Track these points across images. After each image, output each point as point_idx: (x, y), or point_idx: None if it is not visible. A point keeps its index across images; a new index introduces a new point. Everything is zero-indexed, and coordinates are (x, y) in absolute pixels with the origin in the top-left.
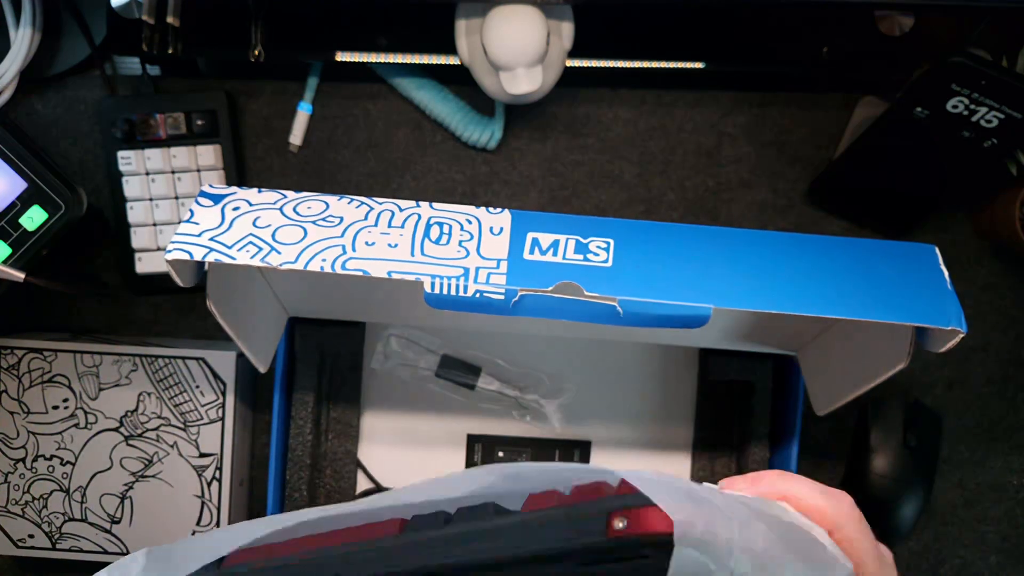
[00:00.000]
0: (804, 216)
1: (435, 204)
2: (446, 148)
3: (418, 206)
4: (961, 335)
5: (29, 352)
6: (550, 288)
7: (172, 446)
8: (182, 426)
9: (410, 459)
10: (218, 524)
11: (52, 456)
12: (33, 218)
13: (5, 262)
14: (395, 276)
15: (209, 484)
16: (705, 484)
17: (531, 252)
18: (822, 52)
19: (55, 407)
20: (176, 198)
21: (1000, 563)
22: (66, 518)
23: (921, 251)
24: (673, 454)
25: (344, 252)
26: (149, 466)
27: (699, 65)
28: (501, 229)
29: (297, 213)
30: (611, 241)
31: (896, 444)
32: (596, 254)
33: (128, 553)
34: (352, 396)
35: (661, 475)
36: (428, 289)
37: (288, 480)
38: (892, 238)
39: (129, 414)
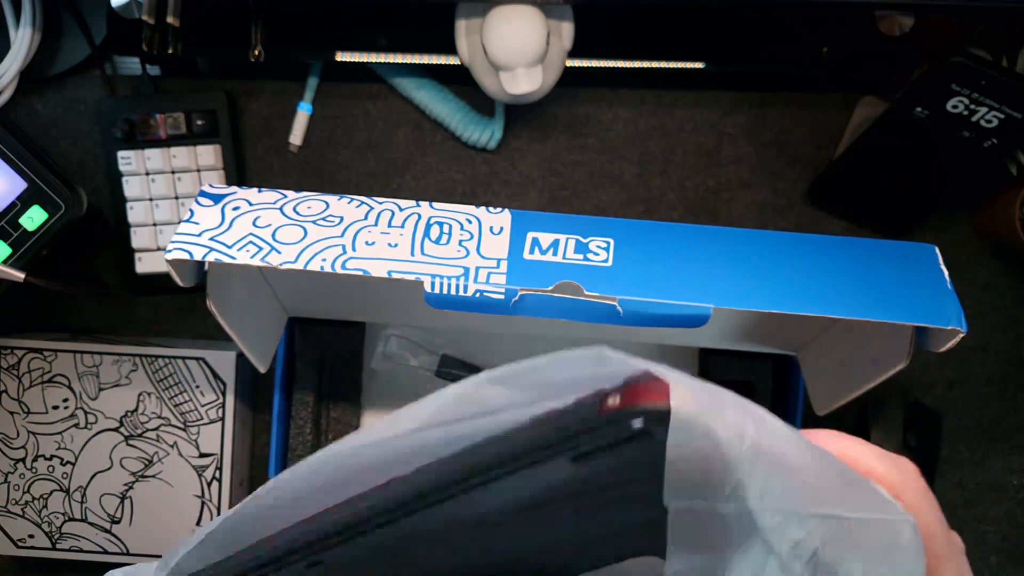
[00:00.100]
0: (804, 216)
1: (435, 204)
2: (446, 148)
3: (418, 206)
4: (961, 335)
5: (29, 352)
6: (550, 288)
7: (172, 446)
8: (182, 426)
9: None
10: None
11: (52, 456)
12: (33, 218)
13: (5, 262)
14: (395, 276)
15: (209, 484)
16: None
17: (531, 252)
18: (822, 52)
19: (55, 407)
20: (176, 198)
21: (1000, 563)
22: (66, 518)
23: (921, 251)
24: None
25: (344, 252)
26: (149, 466)
27: (699, 65)
28: (501, 229)
29: (297, 213)
30: (611, 241)
31: (896, 444)
32: (596, 254)
33: (128, 553)
34: (352, 396)
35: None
36: (428, 289)
37: None
38: (892, 238)
39: (129, 414)
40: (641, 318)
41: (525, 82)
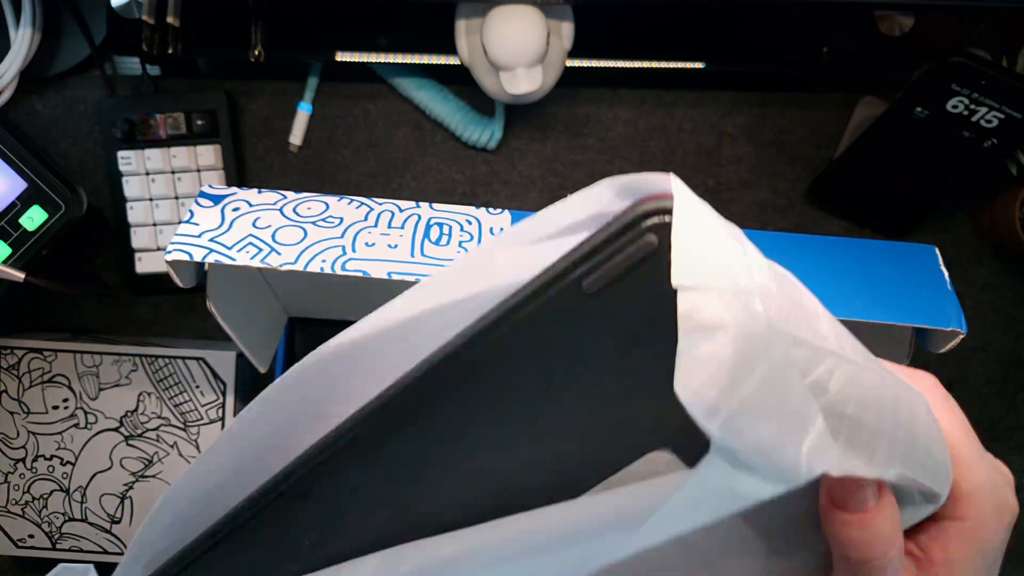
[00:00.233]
0: (804, 216)
1: (435, 205)
2: (446, 148)
3: (418, 207)
4: (961, 336)
5: (29, 352)
6: None
7: (172, 446)
8: (182, 426)
9: None
10: None
11: (52, 456)
12: (33, 218)
13: (5, 262)
14: (395, 277)
15: None
16: None
17: None
18: (822, 52)
19: (55, 407)
20: (176, 198)
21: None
22: (66, 518)
23: (921, 251)
24: None
25: (344, 253)
26: (149, 466)
27: (699, 65)
28: (501, 230)
29: (297, 214)
30: None
31: None
32: None
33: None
34: None
35: None
36: None
37: None
38: (892, 238)
39: (129, 414)
40: None
41: (525, 82)
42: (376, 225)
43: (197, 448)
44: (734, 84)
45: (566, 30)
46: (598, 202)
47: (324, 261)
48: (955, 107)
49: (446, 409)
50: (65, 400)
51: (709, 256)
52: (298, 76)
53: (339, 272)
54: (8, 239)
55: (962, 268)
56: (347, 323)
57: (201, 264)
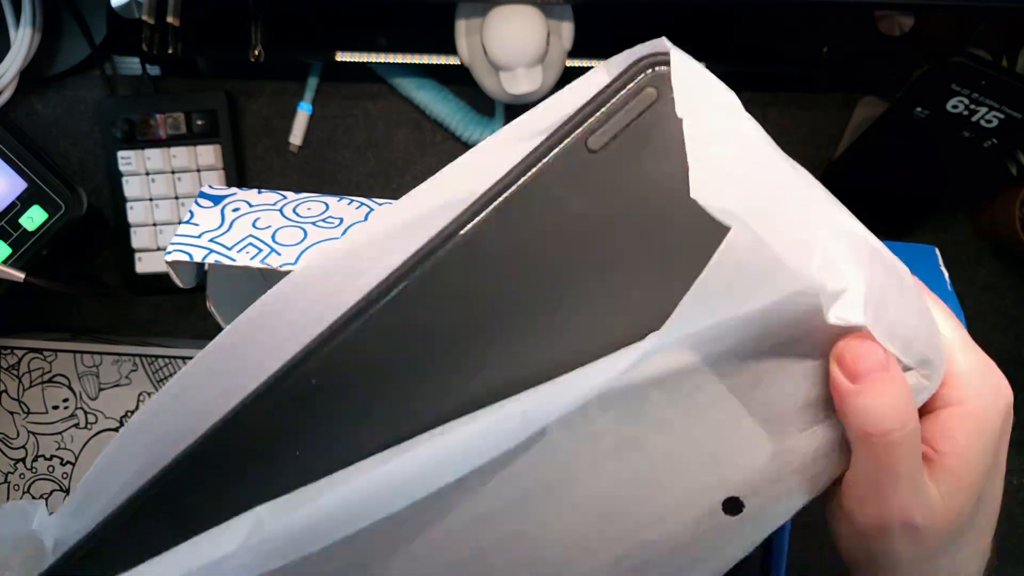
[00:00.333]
0: None
1: None
2: (446, 148)
3: None
4: None
5: (29, 352)
6: None
7: None
8: None
9: None
10: None
11: (52, 456)
12: (33, 218)
13: (5, 262)
14: None
15: None
16: None
17: None
18: (822, 52)
19: (55, 407)
20: (176, 198)
21: (1000, 563)
22: None
23: (921, 251)
24: None
25: None
26: None
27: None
28: None
29: (297, 214)
30: None
31: None
32: None
33: None
34: None
35: None
36: None
37: None
38: (892, 238)
39: (129, 414)
40: None
41: (525, 82)
42: None
43: None
44: (734, 84)
45: (566, 30)
46: (595, 84)
47: None
48: (955, 107)
49: (455, 284)
50: (65, 400)
51: (706, 89)
52: (298, 76)
53: None
54: (8, 239)
55: (962, 268)
56: None
57: (201, 264)
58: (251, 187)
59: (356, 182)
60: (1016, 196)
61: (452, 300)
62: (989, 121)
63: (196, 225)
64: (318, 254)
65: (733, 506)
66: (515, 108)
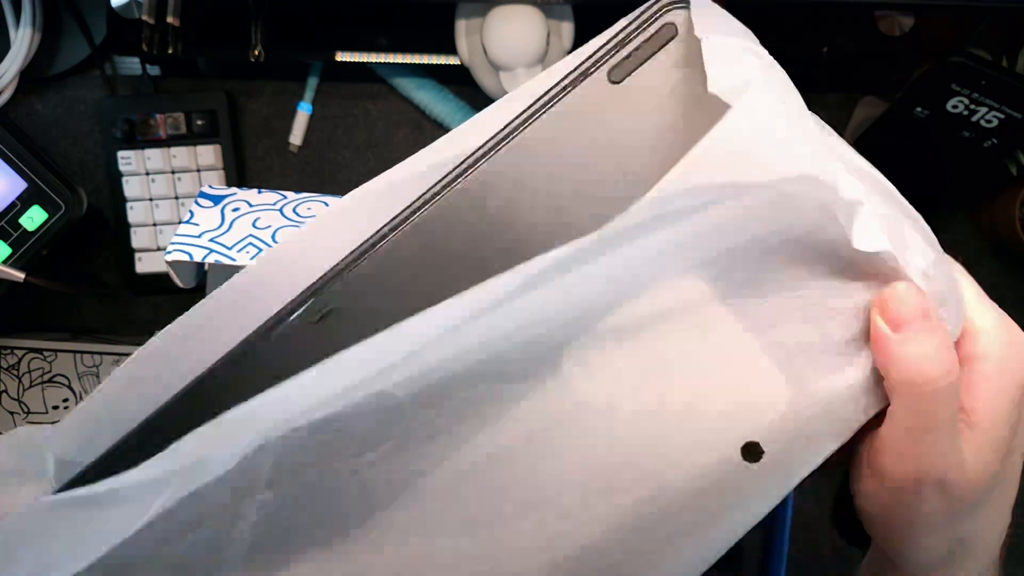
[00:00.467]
0: None
1: None
2: None
3: None
4: None
5: (29, 352)
6: None
7: None
8: None
9: None
10: None
11: None
12: (33, 218)
13: (5, 262)
14: None
15: None
16: None
17: None
18: (822, 52)
19: (55, 407)
20: (176, 198)
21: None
22: None
23: None
24: None
25: None
26: None
27: None
28: None
29: (297, 214)
30: None
31: None
32: None
33: None
34: None
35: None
36: None
37: None
38: None
39: None
40: None
41: (525, 82)
42: None
43: None
44: None
45: (566, 30)
46: (616, 29)
47: None
48: (955, 107)
49: (481, 212)
50: (65, 400)
51: (725, 23)
52: (298, 76)
53: None
54: (8, 239)
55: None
56: None
57: (201, 264)
58: (251, 187)
59: (356, 182)
60: (1016, 196)
61: (478, 227)
62: (989, 121)
63: (196, 225)
64: (352, 195)
65: (753, 452)
66: None
